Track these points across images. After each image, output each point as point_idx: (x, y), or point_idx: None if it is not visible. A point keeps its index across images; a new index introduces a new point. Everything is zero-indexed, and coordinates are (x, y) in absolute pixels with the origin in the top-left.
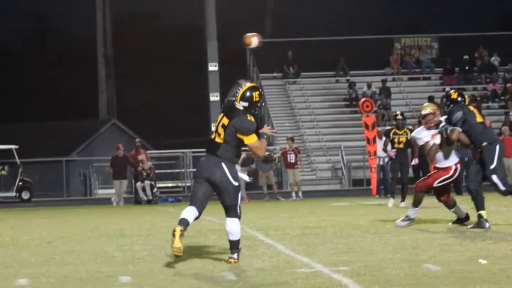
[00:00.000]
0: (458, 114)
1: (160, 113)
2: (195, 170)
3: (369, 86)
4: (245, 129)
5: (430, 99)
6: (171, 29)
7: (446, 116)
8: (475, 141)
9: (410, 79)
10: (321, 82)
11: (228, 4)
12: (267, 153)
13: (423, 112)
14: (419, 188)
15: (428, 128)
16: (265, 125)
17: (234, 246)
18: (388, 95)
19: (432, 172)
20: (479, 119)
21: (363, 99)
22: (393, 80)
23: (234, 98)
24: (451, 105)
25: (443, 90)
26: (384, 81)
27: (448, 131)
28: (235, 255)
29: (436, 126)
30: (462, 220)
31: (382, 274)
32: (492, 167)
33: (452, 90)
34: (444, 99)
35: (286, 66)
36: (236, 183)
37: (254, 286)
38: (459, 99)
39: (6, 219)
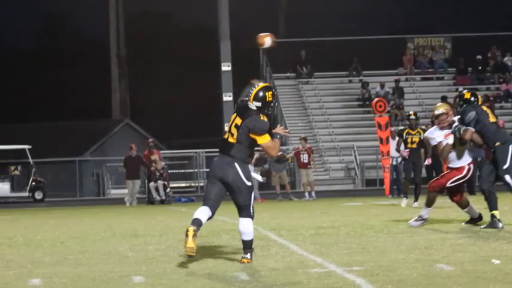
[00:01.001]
0: (471, 114)
1: (173, 113)
2: (208, 170)
3: (382, 86)
4: (258, 129)
5: (443, 99)
6: (184, 29)
7: (459, 116)
8: (488, 141)
9: (423, 79)
10: (334, 82)
11: (241, 4)
12: (280, 153)
13: (436, 112)
14: (432, 188)
15: (442, 128)
16: (278, 125)
17: (247, 246)
18: (401, 95)
19: (445, 172)
20: (492, 119)
21: (376, 99)
22: (406, 80)
23: (247, 98)
24: (464, 105)
25: (456, 90)
26: (397, 81)
27: (461, 131)
28: (248, 255)
29: (449, 126)
30: (475, 220)
31: (395, 274)
32: (505, 167)
33: (465, 90)
34: (457, 99)
35: (299, 66)
36: (249, 183)
37: (267, 286)
38: (472, 99)
39: (19, 219)
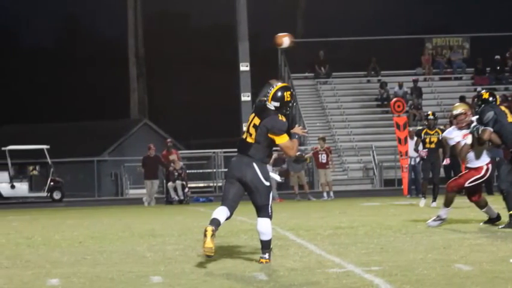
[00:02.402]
0: (490, 114)
1: (191, 113)
2: (226, 170)
3: (400, 86)
4: (276, 129)
5: (462, 99)
6: (202, 29)
7: (477, 116)
8: (506, 141)
9: (441, 79)
10: (353, 82)
11: (260, 4)
12: (298, 153)
13: (454, 112)
14: (450, 188)
15: (460, 128)
16: (297, 125)
17: (266, 246)
18: (420, 95)
19: (463, 172)
20: (510, 119)
21: (394, 99)
22: (424, 80)
23: (265, 98)
24: (483, 105)
25: (475, 90)
26: (415, 81)
27: (480, 131)
28: (266, 255)
29: (468, 126)
30: (493, 220)
31: (413, 274)
32: None
33: (484, 90)
34: (475, 99)
35: (318, 66)
36: (267, 183)
37: (285, 286)
38: (490, 99)
39: (37, 219)
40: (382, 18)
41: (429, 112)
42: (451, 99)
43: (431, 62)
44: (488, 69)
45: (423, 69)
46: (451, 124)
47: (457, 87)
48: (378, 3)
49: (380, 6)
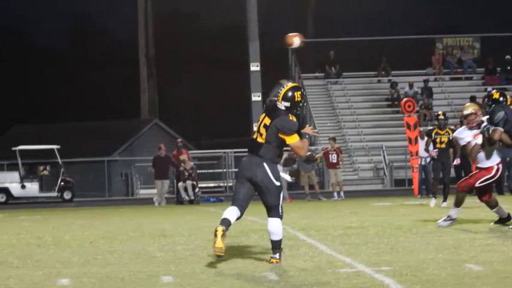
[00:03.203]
0: (500, 114)
1: (202, 113)
2: (236, 170)
3: (411, 86)
4: (287, 129)
5: (472, 99)
6: (213, 29)
7: (488, 116)
8: None
9: (452, 79)
10: (363, 82)
11: (270, 4)
12: (309, 153)
13: (465, 112)
14: (461, 188)
15: (470, 128)
16: (307, 125)
17: (276, 246)
18: (430, 95)
19: (474, 172)
20: None
21: (405, 99)
22: (435, 80)
23: (276, 98)
24: (493, 105)
25: (485, 90)
26: (425, 81)
27: (490, 131)
28: (277, 255)
29: (478, 126)
30: (504, 220)
31: (424, 274)
32: None
33: (494, 90)
34: (486, 99)
35: (328, 66)
36: (278, 183)
37: (296, 286)
38: (501, 99)
39: (48, 219)
40: (393, 18)
41: (440, 112)
42: (462, 99)
43: (441, 62)
44: (498, 69)
45: (434, 69)
46: (461, 124)
47: (468, 87)
48: (388, 3)
49: (390, 6)
